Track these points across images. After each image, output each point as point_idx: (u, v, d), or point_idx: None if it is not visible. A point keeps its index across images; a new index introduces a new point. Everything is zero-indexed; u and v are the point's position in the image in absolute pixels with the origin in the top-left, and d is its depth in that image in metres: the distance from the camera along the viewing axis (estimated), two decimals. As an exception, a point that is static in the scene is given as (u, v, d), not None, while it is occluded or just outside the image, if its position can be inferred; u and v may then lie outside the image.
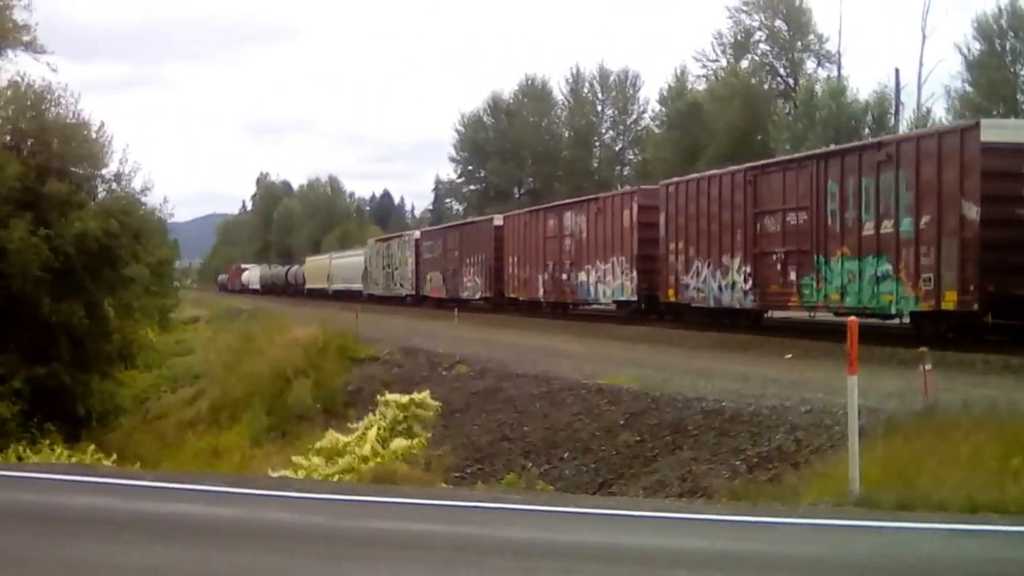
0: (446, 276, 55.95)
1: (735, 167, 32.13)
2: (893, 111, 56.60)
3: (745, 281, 29.43)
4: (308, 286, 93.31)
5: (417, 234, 65.24)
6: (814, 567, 8.40)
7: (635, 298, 36.30)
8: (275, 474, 16.11)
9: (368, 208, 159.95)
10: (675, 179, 35.06)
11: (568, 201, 44.98)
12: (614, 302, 39.16)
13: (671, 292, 33.49)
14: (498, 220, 50.29)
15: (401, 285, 65.00)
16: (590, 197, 42.05)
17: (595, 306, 42.82)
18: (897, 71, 57.94)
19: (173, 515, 10.24)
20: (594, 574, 8.07)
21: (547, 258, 42.90)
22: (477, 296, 52.00)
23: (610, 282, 37.65)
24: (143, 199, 39.71)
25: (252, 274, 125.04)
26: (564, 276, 41.47)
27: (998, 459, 11.06)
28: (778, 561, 8.58)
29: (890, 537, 9.22)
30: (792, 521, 9.90)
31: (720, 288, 30.66)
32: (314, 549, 8.72)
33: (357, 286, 73.98)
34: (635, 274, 35.73)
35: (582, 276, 39.84)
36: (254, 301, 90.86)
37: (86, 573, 7.96)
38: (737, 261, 29.85)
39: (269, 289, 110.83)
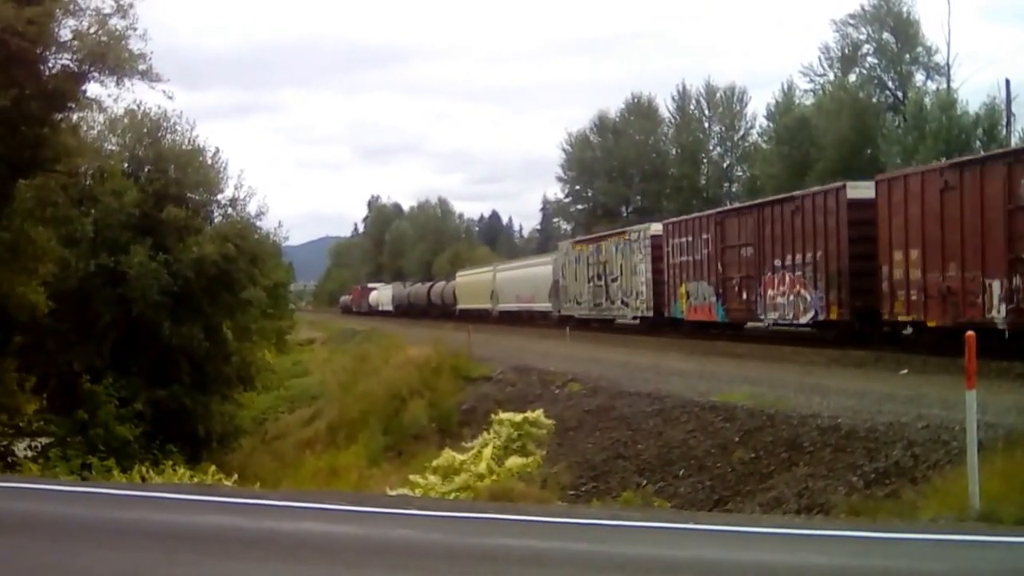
0: (726, 288, 36.45)
1: None
2: (1004, 123, 55.37)
3: None
4: (461, 306, 77.67)
5: (656, 228, 44.35)
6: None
7: None
8: (393, 492, 16.31)
9: (477, 229, 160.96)
10: None
11: None
12: None
13: None
14: (859, 191, 29.77)
15: (624, 303, 46.60)
16: None
17: None
18: (1007, 81, 56.60)
19: (297, 533, 10.43)
20: (714, 590, 8.08)
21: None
22: (807, 318, 31.89)
23: None
24: (258, 223, 40.55)
25: (383, 294, 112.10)
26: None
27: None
28: (898, 576, 8.49)
29: (1015, 553, 9.12)
30: (914, 536, 9.82)
31: None
32: (437, 566, 8.86)
33: (542, 306, 59.51)
34: None
35: None
36: (379, 323, 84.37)
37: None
38: None
39: (405, 311, 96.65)
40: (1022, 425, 13.51)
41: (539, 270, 61.04)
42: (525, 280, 63.73)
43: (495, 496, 14.16)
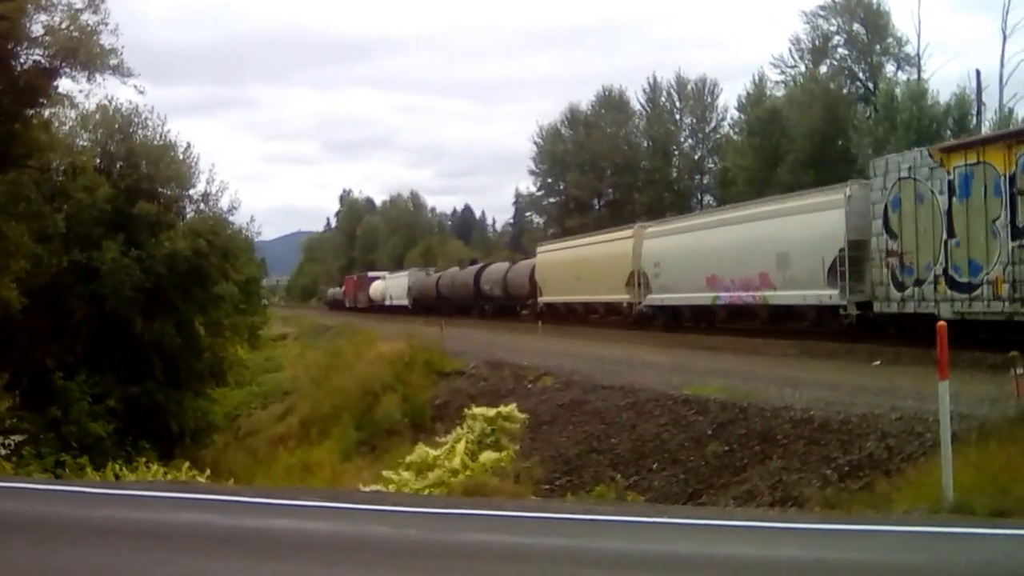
0: None
1: None
2: (975, 113, 55.60)
3: None
4: (550, 299, 52.42)
5: None
6: (915, 574, 8.32)
7: None
8: (367, 489, 16.28)
9: (450, 223, 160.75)
10: None
11: None
12: None
13: None
14: None
15: None
16: None
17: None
18: (978, 72, 56.95)
19: (271, 530, 10.40)
20: (688, 584, 8.05)
21: None
22: None
23: None
24: (230, 218, 40.42)
25: (393, 284, 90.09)
26: None
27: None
28: (875, 570, 8.54)
29: (989, 544, 9.13)
30: (888, 529, 9.84)
31: None
32: (412, 563, 8.81)
33: (803, 295, 30.97)
34: None
35: None
36: (360, 320, 76.01)
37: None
38: None
39: (430, 306, 73.38)
40: (995, 416, 13.56)
41: (794, 223, 31.74)
42: (742, 245, 34.54)
43: (469, 491, 14.14)
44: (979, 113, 55.62)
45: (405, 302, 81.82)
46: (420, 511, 11.55)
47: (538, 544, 9.68)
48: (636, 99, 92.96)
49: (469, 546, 9.66)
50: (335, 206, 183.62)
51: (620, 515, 11.28)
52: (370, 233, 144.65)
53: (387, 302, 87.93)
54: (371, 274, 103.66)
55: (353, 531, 10.48)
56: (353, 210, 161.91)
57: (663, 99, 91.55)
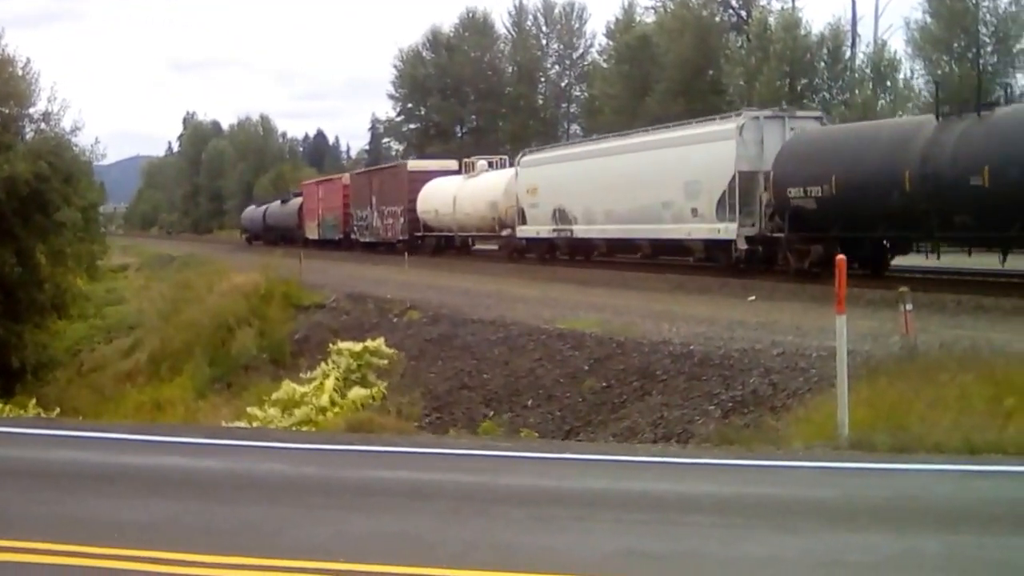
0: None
1: None
2: (849, 44, 55.50)
3: None
4: None
5: None
6: (834, 510, 8.21)
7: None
8: (229, 424, 15.91)
9: (302, 149, 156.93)
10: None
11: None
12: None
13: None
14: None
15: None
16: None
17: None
18: (854, 2, 56.99)
19: (159, 468, 10.03)
20: (608, 520, 7.83)
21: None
22: None
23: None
24: (73, 140, 38.54)
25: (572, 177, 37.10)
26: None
27: (988, 400, 11.01)
28: (792, 504, 8.45)
29: (900, 479, 9.15)
30: (800, 464, 9.81)
31: None
32: (314, 500, 8.57)
33: None
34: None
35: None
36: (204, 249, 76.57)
37: (86, 531, 7.52)
38: None
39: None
40: (881, 353, 13.57)
41: None
42: None
43: (353, 428, 13.76)
44: (853, 44, 55.39)
45: (608, 232, 36.00)
46: (316, 448, 11.25)
47: (444, 481, 9.43)
48: (501, 22, 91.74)
49: (373, 483, 9.42)
50: (178, 129, 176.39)
51: (521, 451, 11.10)
52: (216, 158, 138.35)
53: (519, 232, 40.96)
54: (414, 165, 53.46)
55: (246, 469, 10.13)
56: (197, 133, 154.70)
57: (529, 23, 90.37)
